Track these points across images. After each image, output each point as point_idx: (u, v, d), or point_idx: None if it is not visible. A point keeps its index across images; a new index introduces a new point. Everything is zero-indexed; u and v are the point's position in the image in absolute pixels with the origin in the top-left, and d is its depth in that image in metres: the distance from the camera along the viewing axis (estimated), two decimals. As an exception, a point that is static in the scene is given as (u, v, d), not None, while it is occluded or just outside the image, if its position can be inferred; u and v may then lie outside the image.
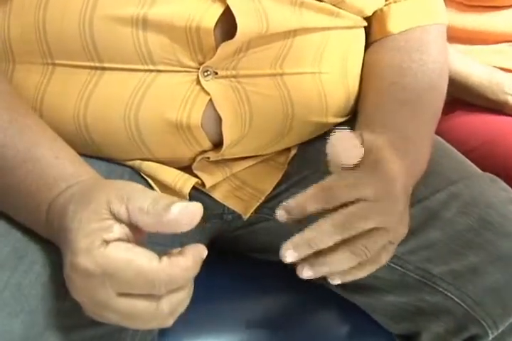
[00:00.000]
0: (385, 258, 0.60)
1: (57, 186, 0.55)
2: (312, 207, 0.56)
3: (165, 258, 0.48)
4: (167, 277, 0.48)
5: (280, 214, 0.57)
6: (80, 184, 0.55)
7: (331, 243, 0.55)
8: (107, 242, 0.48)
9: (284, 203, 0.57)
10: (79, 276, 0.49)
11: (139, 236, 0.51)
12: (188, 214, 0.48)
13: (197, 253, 0.49)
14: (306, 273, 0.56)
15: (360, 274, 0.59)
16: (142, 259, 0.48)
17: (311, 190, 0.57)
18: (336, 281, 0.58)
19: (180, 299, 0.50)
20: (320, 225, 0.55)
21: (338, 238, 0.55)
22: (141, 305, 0.49)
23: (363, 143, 0.59)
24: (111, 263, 0.48)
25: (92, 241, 0.48)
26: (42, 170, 0.56)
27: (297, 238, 0.55)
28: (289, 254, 0.54)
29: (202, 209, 0.49)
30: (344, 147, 0.57)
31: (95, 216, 0.49)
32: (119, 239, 0.49)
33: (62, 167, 0.57)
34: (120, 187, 0.51)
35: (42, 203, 0.55)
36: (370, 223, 0.56)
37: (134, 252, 0.48)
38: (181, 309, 0.52)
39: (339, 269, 0.57)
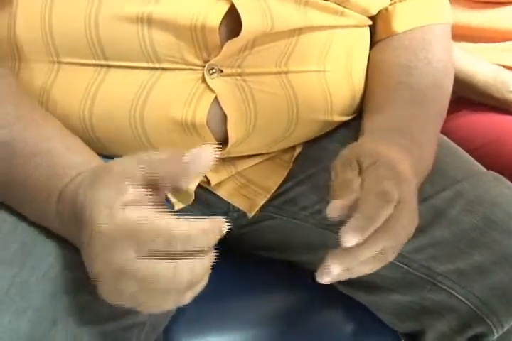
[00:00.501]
0: (392, 257, 0.59)
1: (68, 174, 0.55)
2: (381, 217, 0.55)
3: (183, 219, 0.47)
4: (184, 233, 0.46)
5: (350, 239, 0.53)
6: (90, 170, 0.54)
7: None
8: (125, 204, 0.48)
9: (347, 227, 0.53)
10: (98, 243, 0.48)
11: (157, 197, 0.51)
12: (203, 153, 0.48)
13: (216, 223, 0.48)
14: (326, 279, 0.55)
15: (365, 271, 0.58)
16: (161, 217, 0.47)
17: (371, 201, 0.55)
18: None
19: (199, 267, 0.48)
20: (376, 240, 0.54)
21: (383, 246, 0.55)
22: (159, 266, 0.47)
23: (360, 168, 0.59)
24: (130, 223, 0.47)
25: (111, 206, 0.48)
26: (52, 162, 0.56)
27: (344, 254, 0.54)
28: (334, 268, 0.54)
29: (216, 151, 0.49)
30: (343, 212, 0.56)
31: (110, 182, 0.49)
32: (136, 201, 0.49)
33: (72, 157, 0.57)
34: (129, 156, 0.51)
35: (52, 193, 0.55)
36: (401, 226, 0.56)
37: (153, 212, 0.48)
38: (200, 283, 0.50)
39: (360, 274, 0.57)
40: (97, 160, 0.58)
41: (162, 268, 0.47)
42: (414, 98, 0.74)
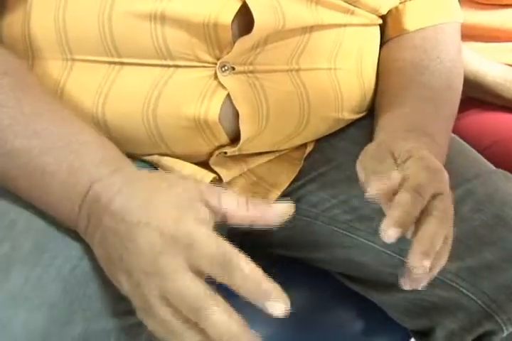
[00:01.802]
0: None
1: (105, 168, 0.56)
2: (417, 212, 0.55)
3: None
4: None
5: (391, 234, 0.53)
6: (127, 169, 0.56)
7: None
8: (195, 218, 0.49)
9: (387, 222, 0.53)
10: (159, 240, 0.48)
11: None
12: (284, 208, 0.51)
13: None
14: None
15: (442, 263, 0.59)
16: (228, 244, 0.48)
17: (406, 196, 0.55)
18: None
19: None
20: (430, 228, 0.55)
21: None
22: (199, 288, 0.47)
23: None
24: (198, 235, 0.48)
25: (184, 213, 0.49)
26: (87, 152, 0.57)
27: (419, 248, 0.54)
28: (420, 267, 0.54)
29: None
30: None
31: (187, 196, 0.51)
32: (205, 221, 0.50)
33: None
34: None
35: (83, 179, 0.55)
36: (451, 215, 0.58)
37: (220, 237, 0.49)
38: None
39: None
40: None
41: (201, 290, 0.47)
42: (427, 97, 0.74)
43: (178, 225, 0.49)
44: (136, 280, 0.49)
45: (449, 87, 0.76)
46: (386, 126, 0.72)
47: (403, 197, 0.55)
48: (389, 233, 0.52)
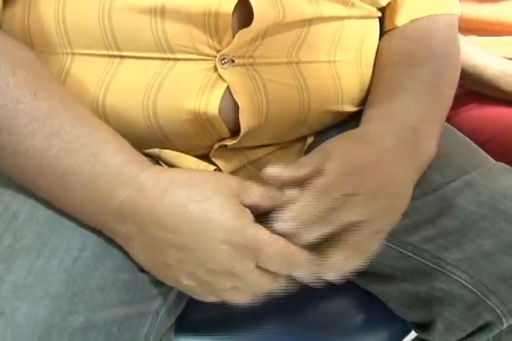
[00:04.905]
0: (371, 248, 0.61)
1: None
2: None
3: None
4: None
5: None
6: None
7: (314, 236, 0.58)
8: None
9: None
10: (229, 249, 0.55)
11: None
12: None
13: None
14: None
15: (350, 266, 0.60)
16: (283, 241, 0.57)
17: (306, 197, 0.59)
18: (329, 276, 0.61)
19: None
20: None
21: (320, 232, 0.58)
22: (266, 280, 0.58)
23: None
24: (260, 239, 0.56)
25: (245, 219, 0.56)
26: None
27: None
28: None
29: None
30: None
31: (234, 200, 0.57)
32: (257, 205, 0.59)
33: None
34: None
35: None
36: (349, 216, 0.59)
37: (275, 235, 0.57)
38: None
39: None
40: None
41: (268, 281, 0.58)
42: (416, 87, 0.74)
43: (244, 234, 0.55)
44: (202, 279, 0.57)
45: (440, 76, 0.76)
46: (364, 119, 0.72)
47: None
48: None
